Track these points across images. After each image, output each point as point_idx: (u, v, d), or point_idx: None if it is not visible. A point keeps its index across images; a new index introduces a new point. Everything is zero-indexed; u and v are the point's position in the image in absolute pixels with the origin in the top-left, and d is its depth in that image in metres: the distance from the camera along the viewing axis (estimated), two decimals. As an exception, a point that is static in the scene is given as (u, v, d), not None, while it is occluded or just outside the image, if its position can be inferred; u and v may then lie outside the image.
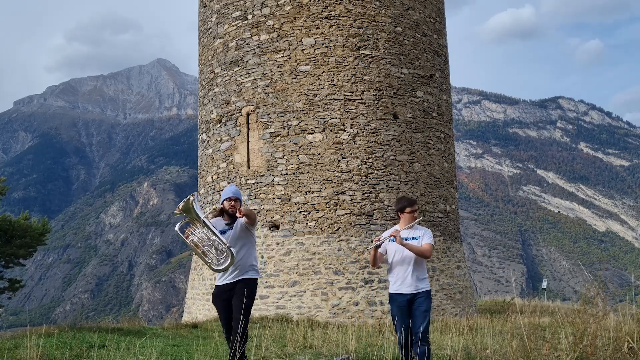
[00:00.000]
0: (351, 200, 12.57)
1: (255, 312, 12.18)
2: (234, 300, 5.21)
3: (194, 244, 5.12)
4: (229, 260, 5.04)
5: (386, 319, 11.47)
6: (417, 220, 5.51)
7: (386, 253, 5.44)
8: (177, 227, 5.23)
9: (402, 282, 5.26)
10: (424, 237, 5.41)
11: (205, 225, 5.11)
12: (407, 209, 5.48)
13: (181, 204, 5.06)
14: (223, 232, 5.22)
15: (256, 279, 5.58)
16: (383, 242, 5.35)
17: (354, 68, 13.03)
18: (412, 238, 5.35)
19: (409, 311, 5.18)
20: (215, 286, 5.40)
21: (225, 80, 14.04)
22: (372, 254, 5.41)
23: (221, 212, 5.39)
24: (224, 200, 5.35)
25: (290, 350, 5.47)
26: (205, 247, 5.11)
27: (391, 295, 5.40)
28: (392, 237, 5.24)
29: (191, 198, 5.09)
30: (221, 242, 5.05)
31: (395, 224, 5.51)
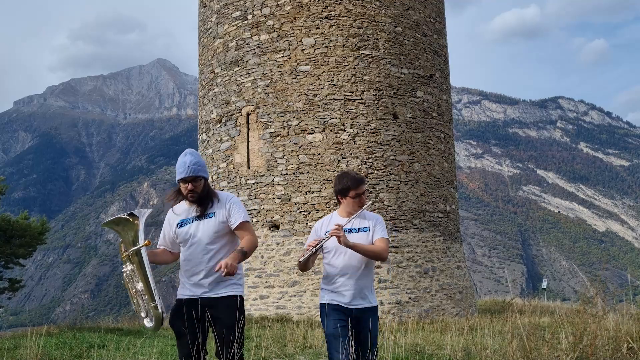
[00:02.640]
0: (351, 200, 12.57)
1: (255, 312, 12.19)
2: (222, 333, 3.71)
3: (125, 277, 3.73)
4: (153, 324, 3.64)
5: (386, 319, 11.46)
6: (366, 205, 4.06)
7: (321, 251, 4.17)
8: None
9: (345, 291, 4.10)
10: (375, 230, 4.04)
11: (136, 261, 3.63)
12: (351, 192, 4.00)
13: (120, 217, 3.75)
14: (184, 223, 3.81)
15: (239, 296, 3.81)
16: (320, 245, 4.12)
17: (354, 68, 13.04)
18: (359, 229, 4.03)
19: (352, 332, 3.93)
20: (178, 300, 3.85)
21: (225, 80, 14.04)
22: (301, 263, 4.17)
23: (180, 194, 3.88)
24: (178, 181, 3.85)
25: (290, 350, 5.47)
26: (133, 290, 3.72)
27: (327, 307, 4.10)
28: (330, 235, 3.97)
29: (137, 217, 3.71)
30: (145, 295, 3.60)
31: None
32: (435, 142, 13.90)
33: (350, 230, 4.07)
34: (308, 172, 12.74)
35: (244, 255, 3.68)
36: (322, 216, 12.85)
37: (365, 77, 13.09)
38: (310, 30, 13.17)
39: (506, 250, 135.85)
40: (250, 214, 13.02)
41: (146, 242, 3.64)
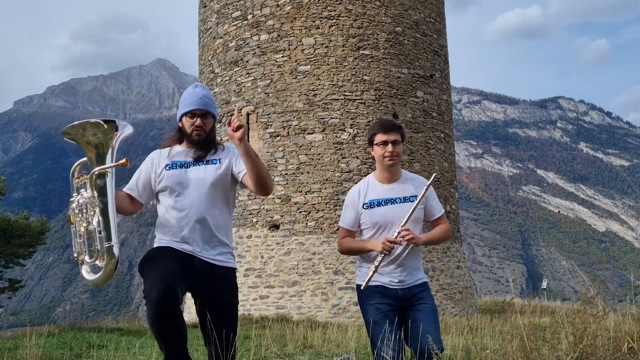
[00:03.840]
0: (351, 200, 12.57)
1: (255, 312, 12.19)
2: (219, 312, 3.09)
3: (74, 208, 2.89)
4: (100, 274, 2.86)
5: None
6: (431, 179, 3.29)
7: (360, 224, 3.40)
8: (75, 166, 2.96)
9: (391, 272, 3.32)
10: (431, 200, 3.36)
11: (99, 186, 2.81)
12: (377, 137, 3.34)
13: (88, 121, 2.84)
14: (173, 166, 3.13)
15: (234, 269, 3.22)
16: (379, 265, 3.27)
17: (354, 68, 13.04)
18: (404, 199, 3.31)
19: (402, 318, 3.27)
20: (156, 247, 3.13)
21: (225, 80, 14.04)
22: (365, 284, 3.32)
23: (179, 136, 3.21)
24: (183, 115, 3.18)
25: (290, 350, 5.48)
26: (82, 227, 2.87)
27: (367, 293, 3.32)
28: (402, 242, 3.22)
29: (115, 126, 2.85)
30: (102, 230, 2.78)
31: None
32: (435, 142, 13.90)
33: (392, 201, 3.31)
34: (308, 172, 12.74)
35: (256, 155, 3.08)
36: (322, 216, 12.91)
37: (365, 77, 13.09)
38: (310, 30, 13.17)
39: (506, 250, 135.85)
40: (250, 214, 13.02)
41: (123, 160, 2.82)
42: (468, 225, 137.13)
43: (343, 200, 12.62)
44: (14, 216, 23.17)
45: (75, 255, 2.93)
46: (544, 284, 28.89)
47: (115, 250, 2.81)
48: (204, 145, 3.18)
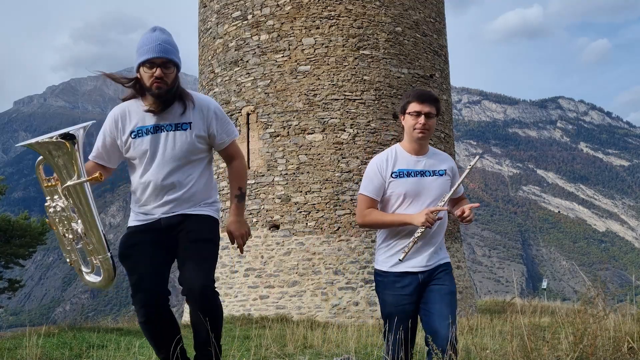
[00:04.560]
0: (351, 200, 12.57)
1: (255, 312, 12.19)
2: (190, 249, 2.83)
3: (52, 218, 2.72)
4: (100, 279, 2.78)
5: (386, 319, 11.47)
6: (473, 162, 3.19)
7: (383, 195, 3.15)
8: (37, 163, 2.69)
9: (416, 250, 3.08)
10: (455, 182, 3.19)
11: (76, 196, 2.61)
12: (411, 106, 3.10)
13: (44, 141, 2.56)
14: (140, 134, 2.85)
15: (214, 218, 3.00)
16: (415, 242, 3.06)
17: (354, 68, 13.04)
18: (434, 172, 3.15)
19: (418, 301, 3.10)
20: (129, 228, 3.00)
21: (225, 80, 14.04)
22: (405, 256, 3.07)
23: (140, 89, 2.86)
24: (141, 64, 2.79)
25: (290, 350, 5.48)
26: (66, 234, 2.71)
27: (386, 280, 3.16)
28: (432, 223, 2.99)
29: (74, 139, 2.56)
30: (90, 244, 2.69)
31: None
32: (435, 142, 13.90)
33: (422, 173, 3.13)
34: (308, 172, 12.74)
35: (244, 198, 3.05)
36: (322, 216, 12.91)
37: (365, 77, 13.09)
38: (310, 30, 13.17)
39: (506, 250, 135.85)
40: (250, 214, 13.02)
41: (96, 175, 2.61)
42: (468, 225, 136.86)
43: (343, 201, 12.64)
44: (14, 216, 23.17)
45: (67, 260, 2.83)
46: (544, 284, 28.90)
47: (111, 261, 2.75)
48: (167, 100, 2.82)
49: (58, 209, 2.69)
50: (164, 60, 2.77)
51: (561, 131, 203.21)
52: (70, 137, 2.59)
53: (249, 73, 13.55)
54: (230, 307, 12.62)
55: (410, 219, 3.03)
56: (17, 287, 23.89)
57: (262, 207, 12.93)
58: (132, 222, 3.00)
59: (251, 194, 13.11)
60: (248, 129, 13.42)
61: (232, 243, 3.04)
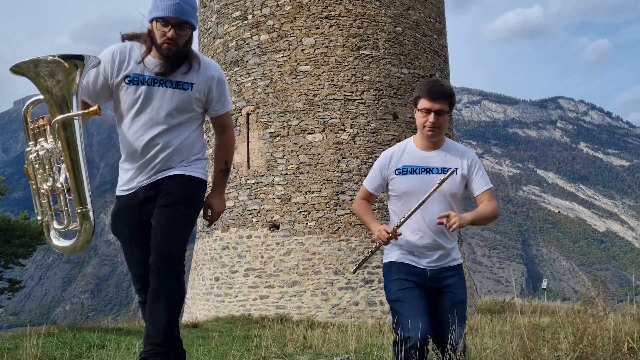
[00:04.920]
0: (351, 200, 12.57)
1: (255, 312, 12.19)
2: (158, 214, 2.62)
3: (31, 164, 2.43)
4: (73, 241, 2.43)
5: (386, 319, 11.48)
6: (446, 176, 2.85)
7: (387, 190, 3.12)
8: (29, 104, 2.46)
9: (418, 250, 2.97)
10: (473, 175, 2.98)
11: (64, 137, 2.34)
12: (421, 103, 2.93)
13: (42, 59, 2.25)
14: (135, 81, 2.62)
15: (202, 180, 2.86)
16: (375, 250, 3.04)
17: (354, 68, 13.04)
18: (442, 170, 2.94)
19: (429, 300, 2.95)
20: (117, 198, 2.81)
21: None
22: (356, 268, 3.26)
23: (149, 42, 2.63)
24: (154, 19, 2.59)
25: (290, 350, 5.48)
26: (45, 184, 2.39)
27: (392, 269, 3.01)
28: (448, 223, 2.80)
29: (80, 61, 2.29)
30: (73, 191, 2.36)
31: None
32: (435, 142, 13.91)
33: (429, 170, 2.94)
34: (308, 172, 12.74)
35: (229, 173, 2.95)
36: (322, 216, 12.91)
37: (365, 77, 13.09)
38: (310, 30, 13.17)
39: (506, 250, 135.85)
40: (250, 214, 13.02)
41: (94, 107, 2.34)
42: (468, 225, 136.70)
43: (343, 201, 12.64)
44: (14, 216, 23.17)
45: (39, 218, 2.48)
46: (544, 284, 28.93)
47: (91, 215, 2.39)
48: (176, 63, 2.61)
49: (41, 153, 2.38)
50: (180, 21, 2.58)
51: (561, 131, 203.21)
52: (74, 59, 2.27)
53: (249, 73, 13.55)
54: (230, 307, 12.62)
55: (373, 229, 3.00)
56: (17, 288, 23.89)
57: (262, 207, 12.93)
58: (120, 190, 2.81)
59: (251, 194, 13.11)
60: (248, 129, 13.42)
61: (205, 216, 2.85)
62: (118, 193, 2.81)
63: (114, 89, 2.71)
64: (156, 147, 2.66)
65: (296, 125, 12.93)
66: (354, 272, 3.23)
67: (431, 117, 2.89)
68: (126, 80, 2.66)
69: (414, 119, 3.03)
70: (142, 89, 2.64)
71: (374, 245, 3.01)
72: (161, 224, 2.61)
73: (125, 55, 2.68)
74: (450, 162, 2.97)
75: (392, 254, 3.07)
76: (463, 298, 3.00)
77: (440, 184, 2.84)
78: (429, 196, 2.85)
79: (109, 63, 2.67)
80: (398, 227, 2.90)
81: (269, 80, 13.24)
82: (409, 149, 3.06)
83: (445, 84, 3.01)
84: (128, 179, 2.75)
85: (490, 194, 3.02)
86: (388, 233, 2.87)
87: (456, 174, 2.96)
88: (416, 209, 2.86)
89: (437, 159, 2.98)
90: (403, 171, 3.00)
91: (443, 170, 2.94)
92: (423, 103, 2.93)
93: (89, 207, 2.40)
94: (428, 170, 2.95)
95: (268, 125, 13.14)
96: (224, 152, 2.93)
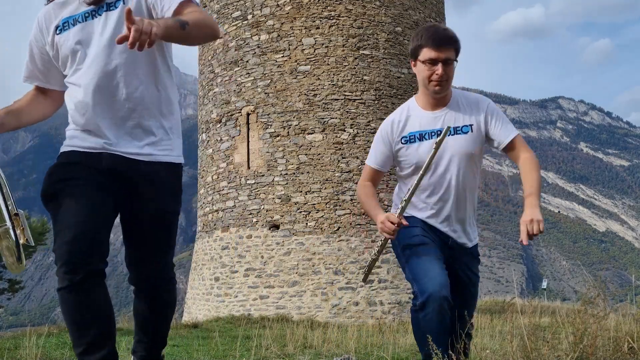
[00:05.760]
0: (351, 200, 12.57)
1: (255, 312, 12.19)
2: (145, 228, 2.27)
3: None
4: (5, 260, 2.15)
5: (386, 319, 11.47)
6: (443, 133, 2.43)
7: (398, 161, 2.67)
8: None
9: (438, 215, 2.64)
10: (492, 126, 2.56)
11: None
12: (423, 53, 2.50)
13: None
14: (66, 26, 2.18)
15: (176, 166, 2.30)
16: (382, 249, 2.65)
17: (354, 68, 13.04)
18: (456, 130, 2.56)
19: (441, 251, 2.65)
20: (60, 155, 2.26)
21: (225, 80, 14.04)
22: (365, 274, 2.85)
23: None
24: None
25: (290, 350, 5.47)
26: None
27: (413, 218, 2.63)
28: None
29: None
30: None
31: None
32: (435, 142, 13.92)
33: (439, 133, 2.51)
34: (308, 172, 12.74)
35: (183, 27, 1.97)
36: (322, 216, 12.91)
37: (365, 77, 13.09)
38: (310, 30, 13.17)
39: (506, 250, 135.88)
40: (250, 214, 13.02)
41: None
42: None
43: (343, 201, 12.64)
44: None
45: None
46: (544, 284, 28.95)
47: (12, 233, 2.08)
48: None
49: None
50: None
51: (561, 131, 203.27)
52: None
53: (249, 73, 13.55)
54: (230, 307, 12.62)
55: (376, 218, 2.55)
56: (17, 288, 23.90)
57: (262, 207, 12.93)
58: (65, 146, 2.25)
59: (251, 194, 13.11)
60: (248, 129, 13.42)
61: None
62: (65, 149, 2.24)
63: (52, 54, 2.26)
64: (109, 96, 2.15)
65: (296, 125, 12.93)
66: (365, 280, 2.82)
67: (438, 69, 2.46)
68: (57, 31, 2.20)
69: None
70: (75, 29, 2.16)
71: (380, 243, 2.60)
72: (152, 241, 2.26)
73: (50, 13, 2.24)
74: (463, 118, 2.56)
75: (409, 211, 2.66)
76: (477, 281, 2.81)
77: (436, 149, 2.44)
78: (427, 167, 2.47)
79: (40, 35, 2.26)
80: (402, 212, 2.49)
81: (269, 80, 13.24)
82: (414, 112, 2.63)
83: (447, 27, 2.62)
84: (82, 138, 2.22)
85: (520, 141, 2.57)
86: (394, 224, 2.45)
87: (455, 132, 2.55)
88: (416, 186, 2.48)
89: (447, 118, 2.57)
90: (411, 139, 2.59)
91: (455, 131, 2.54)
92: (426, 53, 2.48)
93: (8, 224, 2.11)
94: (439, 133, 2.51)
95: (268, 125, 13.14)
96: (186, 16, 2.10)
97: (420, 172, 2.48)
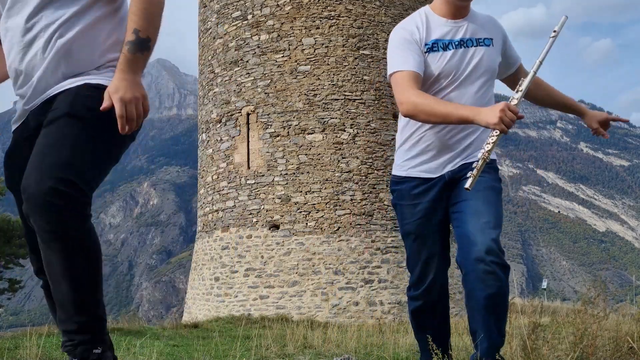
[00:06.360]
0: (351, 200, 12.58)
1: (255, 312, 12.19)
2: (37, 146, 1.76)
3: None
4: None
5: (386, 319, 11.47)
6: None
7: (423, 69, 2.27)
8: None
9: (442, 146, 2.36)
10: (509, 42, 2.47)
11: None
12: None
13: None
14: None
15: (90, 85, 1.83)
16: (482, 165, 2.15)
17: (354, 68, 13.04)
18: (477, 41, 2.33)
19: (443, 221, 2.41)
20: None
21: (225, 80, 14.04)
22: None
23: None
24: None
25: (290, 350, 5.47)
26: None
27: (400, 190, 2.44)
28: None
29: None
30: None
31: None
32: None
33: (463, 43, 2.29)
34: (308, 172, 12.74)
35: (143, 46, 1.78)
36: (322, 216, 12.91)
37: (365, 77, 13.09)
38: (310, 30, 13.17)
39: (506, 250, 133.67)
40: (250, 214, 13.02)
41: None
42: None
43: (343, 201, 12.65)
44: (14, 216, 23.17)
45: None
46: (544, 284, 28.93)
47: None
48: None
49: None
50: None
51: (561, 131, 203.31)
52: None
53: (249, 73, 13.55)
54: (230, 307, 12.62)
55: (473, 114, 2.08)
56: (17, 288, 23.90)
57: (262, 207, 12.93)
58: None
59: (251, 194, 13.11)
60: (248, 129, 13.42)
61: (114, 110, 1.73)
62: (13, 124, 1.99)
63: None
64: (33, 39, 1.84)
65: (296, 125, 12.93)
66: (470, 186, 2.12)
67: None
68: None
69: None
70: None
71: (492, 139, 2.13)
72: (39, 149, 1.74)
73: None
74: (483, 31, 2.34)
75: (401, 164, 2.44)
76: (494, 185, 2.44)
77: (536, 70, 2.17)
78: (527, 87, 2.14)
79: None
80: (519, 102, 2.15)
81: (269, 80, 13.24)
82: (433, 19, 2.32)
83: None
84: (21, 95, 1.94)
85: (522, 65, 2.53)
86: (516, 114, 2.07)
87: (478, 43, 2.31)
88: (528, 84, 2.15)
89: (468, 29, 2.31)
90: (434, 47, 2.27)
91: (478, 43, 2.30)
92: None
93: None
94: (463, 43, 2.29)
95: (268, 125, 13.13)
96: (135, 14, 1.79)
97: (525, 83, 2.15)
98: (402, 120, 2.43)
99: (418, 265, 2.45)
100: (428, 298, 2.48)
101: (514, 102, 2.14)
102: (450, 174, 2.36)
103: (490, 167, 2.42)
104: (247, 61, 13.62)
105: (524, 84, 2.15)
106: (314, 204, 12.63)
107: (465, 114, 2.10)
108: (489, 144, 2.15)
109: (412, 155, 2.40)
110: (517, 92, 2.17)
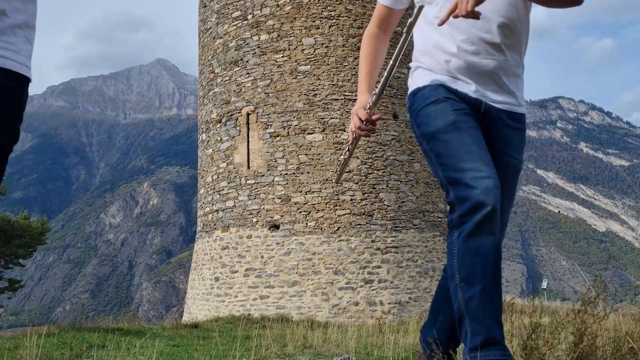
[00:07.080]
0: (351, 200, 12.58)
1: (255, 312, 12.19)
2: None
3: None
4: None
5: (386, 319, 11.47)
6: None
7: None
8: None
9: (474, 76, 2.07)
10: None
11: None
12: None
13: None
14: None
15: (21, 76, 1.48)
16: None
17: (354, 68, 13.03)
18: None
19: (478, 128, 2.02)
20: None
21: (225, 80, 14.04)
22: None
23: None
24: None
25: (290, 351, 5.47)
26: None
27: (425, 93, 2.19)
28: None
29: None
30: None
31: None
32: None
33: None
34: (308, 172, 12.74)
35: None
36: (322, 216, 12.91)
37: (365, 77, 13.09)
38: (310, 30, 13.17)
39: (506, 250, 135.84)
40: (250, 214, 13.02)
41: None
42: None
43: (343, 201, 12.64)
44: (14, 216, 23.18)
45: None
46: (544, 284, 28.93)
47: None
48: None
49: None
50: None
51: (561, 131, 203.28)
52: None
53: (249, 73, 13.55)
54: (230, 307, 12.62)
55: (358, 97, 1.96)
56: (17, 287, 23.91)
57: (262, 207, 12.93)
58: None
59: (251, 194, 13.11)
60: (248, 129, 13.42)
61: None
62: None
63: None
64: None
65: (296, 125, 12.93)
66: (337, 181, 2.03)
67: None
68: None
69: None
70: None
71: (349, 142, 1.99)
72: None
73: None
74: None
75: (421, 78, 2.09)
76: (518, 168, 2.09)
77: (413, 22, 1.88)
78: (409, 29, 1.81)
79: None
80: (372, 107, 1.93)
81: (269, 80, 13.25)
82: None
83: None
84: None
85: None
86: (362, 121, 1.85)
87: None
88: (385, 83, 1.83)
89: None
90: None
91: None
92: None
93: None
94: None
95: (268, 125, 13.14)
96: None
97: (379, 88, 1.86)
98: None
99: (467, 156, 1.84)
100: (492, 200, 1.79)
101: (368, 106, 2.04)
102: (485, 107, 1.99)
103: (524, 129, 2.07)
104: (247, 61, 13.62)
105: (378, 88, 2.02)
106: (314, 204, 12.63)
107: (358, 92, 1.99)
108: (347, 147, 2.13)
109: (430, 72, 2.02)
110: (372, 95, 2.04)
